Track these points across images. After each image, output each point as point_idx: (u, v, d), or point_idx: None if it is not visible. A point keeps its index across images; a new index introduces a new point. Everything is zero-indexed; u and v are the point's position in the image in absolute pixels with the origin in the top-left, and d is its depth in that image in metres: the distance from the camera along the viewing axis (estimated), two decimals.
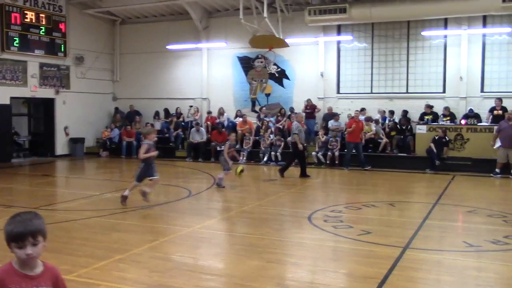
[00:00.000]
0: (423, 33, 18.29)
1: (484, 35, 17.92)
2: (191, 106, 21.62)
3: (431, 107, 17.87)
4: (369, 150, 17.47)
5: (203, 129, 19.77)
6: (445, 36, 18.39)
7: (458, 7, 16.63)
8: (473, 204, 10.64)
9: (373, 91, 19.42)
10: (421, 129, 16.99)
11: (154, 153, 9.86)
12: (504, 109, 16.48)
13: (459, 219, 9.64)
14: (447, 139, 16.27)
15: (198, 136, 19.55)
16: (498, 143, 15.07)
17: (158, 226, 8.58)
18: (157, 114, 22.14)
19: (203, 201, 11.18)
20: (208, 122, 20.44)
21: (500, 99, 17.01)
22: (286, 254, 6.98)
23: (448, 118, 17.34)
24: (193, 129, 19.76)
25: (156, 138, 10.94)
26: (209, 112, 21.15)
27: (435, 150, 16.14)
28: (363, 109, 18.41)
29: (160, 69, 22.77)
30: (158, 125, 21.33)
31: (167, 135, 20.92)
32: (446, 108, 17.67)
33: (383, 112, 18.62)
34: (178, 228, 8.38)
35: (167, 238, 7.68)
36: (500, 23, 17.43)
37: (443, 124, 16.87)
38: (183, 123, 21.02)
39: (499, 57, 17.78)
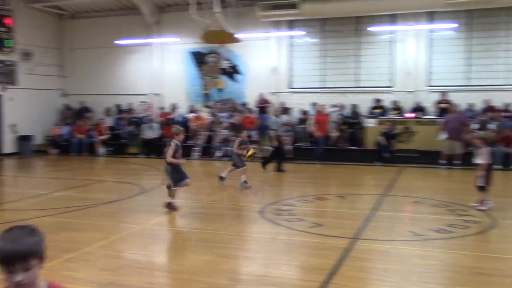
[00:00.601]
0: (370, 28, 18.70)
1: (430, 31, 18.47)
2: (143, 102, 21.31)
3: (380, 101, 18.30)
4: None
5: (155, 125, 19.54)
6: (393, 32, 18.85)
7: (404, 3, 17.09)
8: (419, 194, 10.99)
9: (325, 86, 19.71)
10: (370, 123, 17.36)
11: (182, 161, 9.25)
12: (449, 102, 17.05)
13: (406, 210, 9.93)
14: (396, 132, 16.70)
15: (151, 132, 19.32)
16: (443, 135, 15.59)
17: (109, 224, 8.44)
18: (108, 110, 21.72)
19: (156, 198, 11.04)
20: (161, 118, 20.21)
21: (445, 93, 17.61)
22: (238, 248, 7.01)
23: (396, 111, 17.81)
24: (145, 125, 19.50)
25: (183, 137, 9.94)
26: (161, 108, 20.92)
27: (384, 143, 16.56)
28: (315, 104, 18.64)
29: (110, 65, 22.33)
30: (109, 122, 20.94)
31: (119, 131, 20.56)
32: (394, 102, 18.15)
33: (335, 106, 18.92)
34: (129, 225, 8.28)
35: (118, 236, 7.57)
36: (445, 19, 17.99)
37: (392, 118, 17.31)
38: (135, 119, 20.70)
39: (445, 52, 18.39)
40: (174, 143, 9.04)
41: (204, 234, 7.69)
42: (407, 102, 18.30)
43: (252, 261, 6.44)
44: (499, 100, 17.14)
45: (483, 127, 15.89)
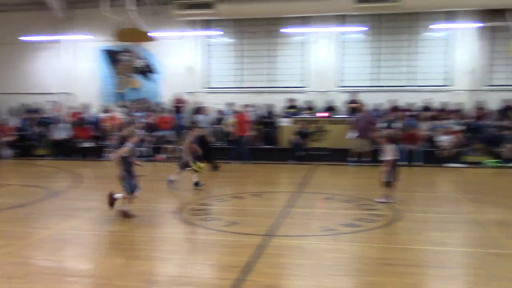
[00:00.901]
0: (283, 30, 19.14)
1: (341, 34, 19.20)
2: (52, 101, 20.38)
3: (293, 100, 18.75)
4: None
5: (65, 125, 18.74)
6: (305, 34, 19.39)
7: (316, 7, 17.62)
8: (331, 191, 11.40)
9: (241, 86, 19.90)
10: (284, 122, 17.74)
11: (137, 162, 8.68)
12: (358, 102, 17.81)
13: (319, 206, 10.26)
14: (309, 131, 17.19)
15: (61, 133, 18.51)
16: (353, 134, 16.25)
17: (16, 230, 7.99)
18: (13, 110, 20.54)
19: (66, 201, 10.61)
20: (72, 118, 19.42)
21: (355, 93, 18.39)
22: (153, 250, 6.91)
23: (309, 111, 18.33)
24: (54, 125, 18.66)
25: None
26: (72, 107, 20.11)
27: (297, 142, 16.99)
28: (231, 103, 18.74)
29: (17, 62, 21.15)
30: (15, 122, 19.81)
31: (25, 132, 19.50)
32: (307, 102, 18.68)
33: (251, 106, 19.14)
34: (38, 230, 7.89)
35: (27, 242, 7.20)
36: (355, 23, 18.77)
37: (305, 117, 17.80)
38: (43, 119, 19.73)
39: (354, 54, 19.21)
40: (129, 146, 8.48)
41: (117, 236, 7.51)
42: (319, 102, 18.90)
43: (166, 262, 6.39)
44: (403, 100, 18.18)
45: (389, 126, 16.77)
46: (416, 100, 18.19)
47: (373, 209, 9.25)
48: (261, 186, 12.76)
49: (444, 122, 16.94)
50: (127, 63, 20.54)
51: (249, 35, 19.73)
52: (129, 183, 8.47)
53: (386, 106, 18.19)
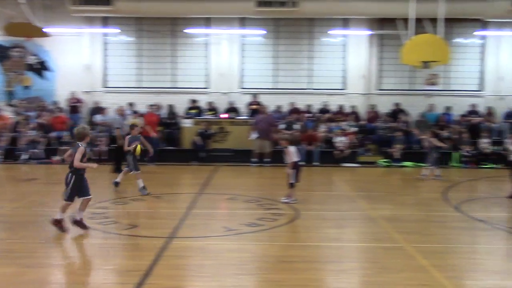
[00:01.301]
0: (186, 30, 19.01)
1: (242, 36, 19.42)
2: None
3: (196, 101, 18.66)
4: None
5: None
6: (208, 35, 19.39)
7: (217, 8, 17.69)
8: (233, 191, 11.47)
9: (141, 86, 19.45)
10: (187, 123, 17.61)
11: (92, 165, 7.67)
12: (259, 104, 18.11)
13: (221, 206, 10.28)
14: (211, 132, 17.19)
15: None
16: (254, 135, 16.49)
17: None
18: None
19: None
20: None
21: (256, 95, 18.69)
22: (47, 257, 6.53)
23: (212, 112, 18.34)
24: None
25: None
26: None
27: (200, 143, 16.93)
28: (131, 104, 18.24)
29: None
30: None
31: None
32: (210, 103, 18.68)
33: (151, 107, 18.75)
34: None
35: None
36: (255, 26, 19.06)
37: (207, 118, 17.78)
38: None
39: (255, 57, 19.53)
40: (82, 146, 7.49)
41: (7, 244, 7.01)
42: (221, 103, 18.97)
43: (61, 269, 6.06)
44: (302, 102, 18.79)
45: (289, 127, 17.23)
46: (314, 102, 18.88)
47: (274, 209, 9.43)
48: (161, 187, 12.51)
49: (340, 124, 17.73)
50: (18, 60, 19.29)
51: (149, 34, 19.33)
52: (75, 189, 7.52)
53: (286, 108, 18.68)
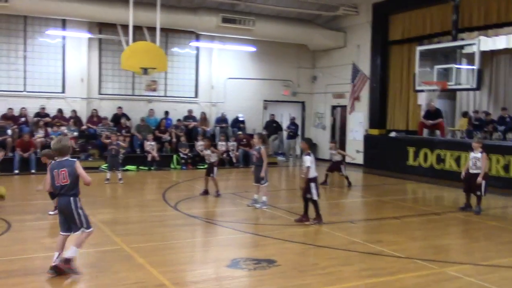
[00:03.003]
0: (47, 32, 17.59)
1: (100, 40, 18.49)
2: None
3: None
4: None
5: None
6: (64, 37, 17.92)
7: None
8: None
9: None
10: None
11: None
12: None
13: None
14: None
15: None
16: None
17: None
18: None
19: None
20: None
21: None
22: None
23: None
24: None
25: None
26: None
27: None
28: None
29: None
30: None
31: None
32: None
33: None
34: None
35: None
36: None
37: None
38: None
39: (113, 63, 18.73)
40: None
41: None
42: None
43: None
44: (18, 106, 17.26)
45: (1, 133, 15.71)
46: (31, 106, 17.56)
47: None
48: None
49: (60, 128, 16.91)
50: None
51: None
52: None
53: None
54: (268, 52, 21.57)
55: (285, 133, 22.03)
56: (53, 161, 6.14)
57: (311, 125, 23.18)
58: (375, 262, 6.75)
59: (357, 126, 20.25)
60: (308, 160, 8.88)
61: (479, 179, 10.21)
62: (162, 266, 6.30)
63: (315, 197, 8.91)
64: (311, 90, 23.03)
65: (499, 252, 7.52)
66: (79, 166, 5.92)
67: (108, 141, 15.10)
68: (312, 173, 8.92)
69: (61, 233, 5.96)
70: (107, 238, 7.69)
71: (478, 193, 10.39)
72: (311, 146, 9.69)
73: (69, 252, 5.84)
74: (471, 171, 10.50)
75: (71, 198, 5.85)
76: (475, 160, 10.45)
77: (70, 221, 5.89)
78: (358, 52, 20.07)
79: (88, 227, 5.95)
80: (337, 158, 14.02)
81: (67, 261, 5.80)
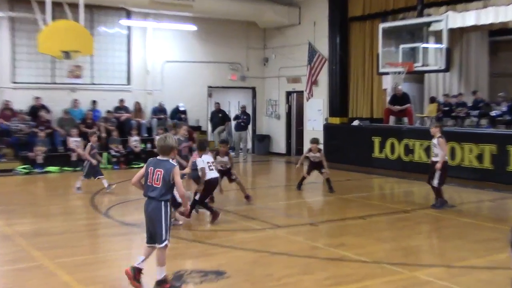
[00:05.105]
0: None
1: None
2: None
3: None
4: None
5: None
6: None
7: None
8: None
9: None
10: None
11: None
12: None
13: None
14: None
15: None
16: None
17: None
18: None
19: None
20: None
21: None
22: None
23: None
24: None
25: None
26: None
27: None
28: None
29: None
30: None
31: None
32: None
33: None
34: None
35: None
36: None
37: None
38: None
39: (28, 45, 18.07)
40: None
41: None
42: None
43: None
44: None
45: None
46: None
47: None
48: None
49: None
50: None
51: None
52: None
53: None
54: (212, 31, 21.49)
55: (233, 124, 21.92)
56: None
57: (263, 114, 23.30)
58: (339, 269, 6.86)
59: (316, 114, 20.50)
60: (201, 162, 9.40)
61: (438, 165, 10.54)
62: (92, 284, 6.20)
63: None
64: (263, 74, 23.14)
65: (473, 251, 7.80)
66: (177, 173, 5.98)
67: (82, 152, 13.55)
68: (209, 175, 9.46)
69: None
70: (25, 253, 7.48)
71: (434, 183, 10.73)
72: (206, 147, 9.93)
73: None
74: (432, 159, 10.88)
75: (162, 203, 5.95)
76: (434, 147, 10.82)
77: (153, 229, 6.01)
78: (314, 30, 20.30)
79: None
80: (317, 158, 13.12)
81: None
